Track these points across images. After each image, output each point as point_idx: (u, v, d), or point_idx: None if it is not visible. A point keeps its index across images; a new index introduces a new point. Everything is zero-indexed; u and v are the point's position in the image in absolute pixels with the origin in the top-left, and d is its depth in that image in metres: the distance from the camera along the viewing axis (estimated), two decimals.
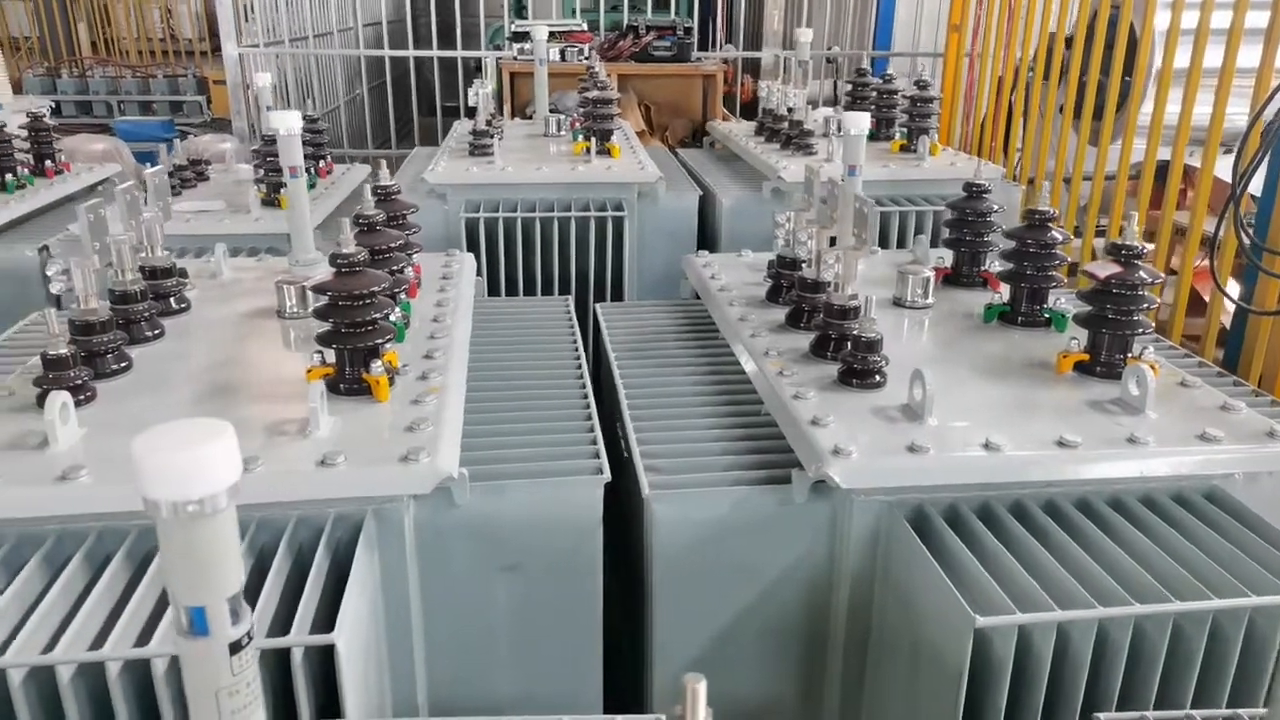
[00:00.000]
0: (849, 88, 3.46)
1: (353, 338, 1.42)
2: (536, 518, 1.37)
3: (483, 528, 1.36)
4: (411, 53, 6.10)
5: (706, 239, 2.88)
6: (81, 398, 1.37)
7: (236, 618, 0.63)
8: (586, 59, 4.63)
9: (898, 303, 1.89)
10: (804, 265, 1.80)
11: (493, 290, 2.65)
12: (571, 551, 1.40)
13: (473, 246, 2.59)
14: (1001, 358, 1.65)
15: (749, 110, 6.04)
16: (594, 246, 2.64)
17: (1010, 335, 1.75)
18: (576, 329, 2.01)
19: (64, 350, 1.37)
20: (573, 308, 2.14)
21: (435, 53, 5.98)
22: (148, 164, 4.51)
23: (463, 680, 1.44)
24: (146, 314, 1.64)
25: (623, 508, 1.57)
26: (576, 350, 1.90)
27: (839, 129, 3.10)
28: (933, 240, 2.54)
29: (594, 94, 2.86)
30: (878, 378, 1.49)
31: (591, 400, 1.65)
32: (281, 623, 1.10)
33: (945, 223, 2.03)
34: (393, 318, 1.51)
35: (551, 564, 1.40)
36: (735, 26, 6.51)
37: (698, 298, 2.26)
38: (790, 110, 3.02)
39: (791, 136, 2.97)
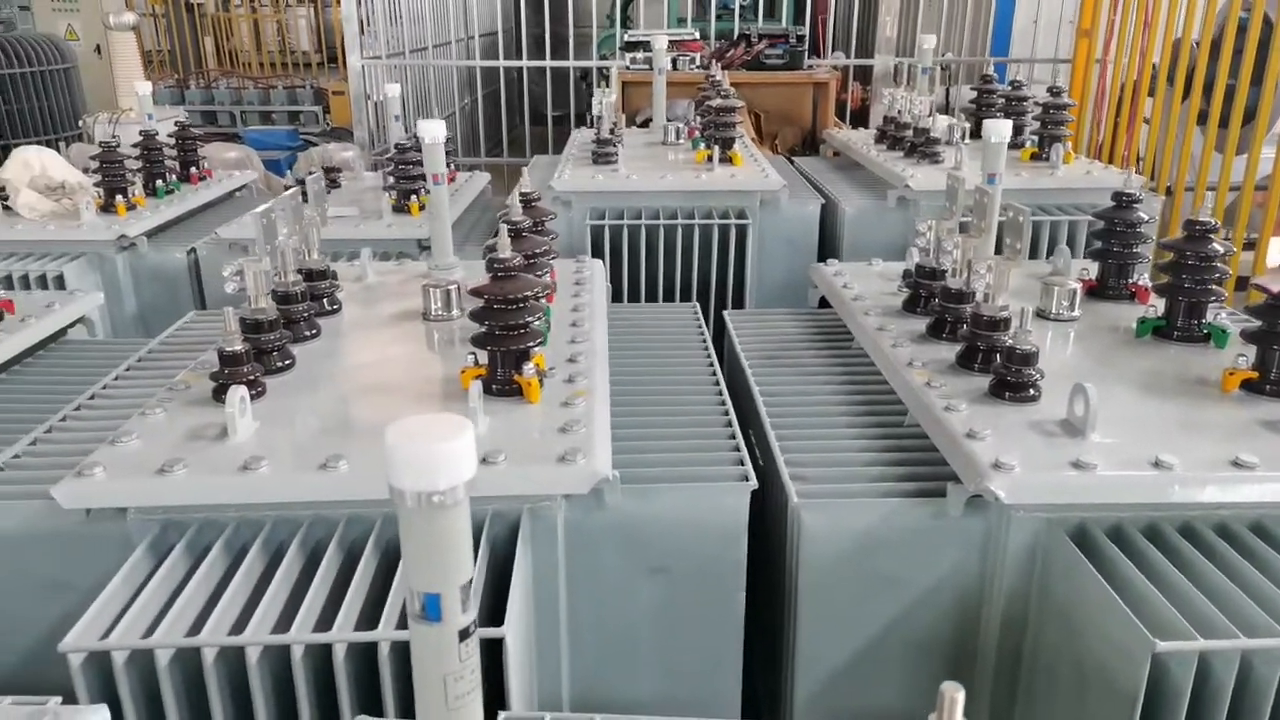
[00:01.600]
0: (973, 94, 3.38)
1: (506, 340, 1.46)
2: (682, 522, 1.38)
3: (630, 530, 1.38)
4: (525, 63, 6.23)
5: (826, 247, 2.86)
6: (254, 392, 1.44)
7: (465, 606, 0.66)
8: (701, 67, 4.66)
9: (1041, 315, 1.84)
10: (947, 275, 1.77)
11: (615, 296, 2.68)
12: (716, 557, 1.40)
13: (596, 253, 2.63)
14: (1159, 373, 1.59)
15: (859, 118, 5.97)
16: (716, 254, 2.64)
17: (1166, 350, 1.69)
18: (707, 335, 2.02)
19: (239, 347, 1.44)
20: (701, 314, 2.15)
21: (547, 63, 6.09)
22: (287, 173, 4.70)
23: (604, 678, 1.46)
24: (305, 314, 1.71)
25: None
26: (709, 356, 1.90)
27: (963, 136, 3.05)
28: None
29: (717, 102, 2.87)
30: (1032, 391, 1.45)
31: (730, 407, 1.65)
32: None
33: (1092, 233, 1.97)
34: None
35: (696, 568, 1.41)
36: (838, 33, 6.45)
37: (824, 306, 2.25)
38: (915, 118, 2.97)
39: (917, 144, 2.93)
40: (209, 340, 1.99)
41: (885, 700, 1.45)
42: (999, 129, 1.92)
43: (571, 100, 6.39)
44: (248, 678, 1.09)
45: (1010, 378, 1.45)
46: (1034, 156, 2.90)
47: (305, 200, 1.83)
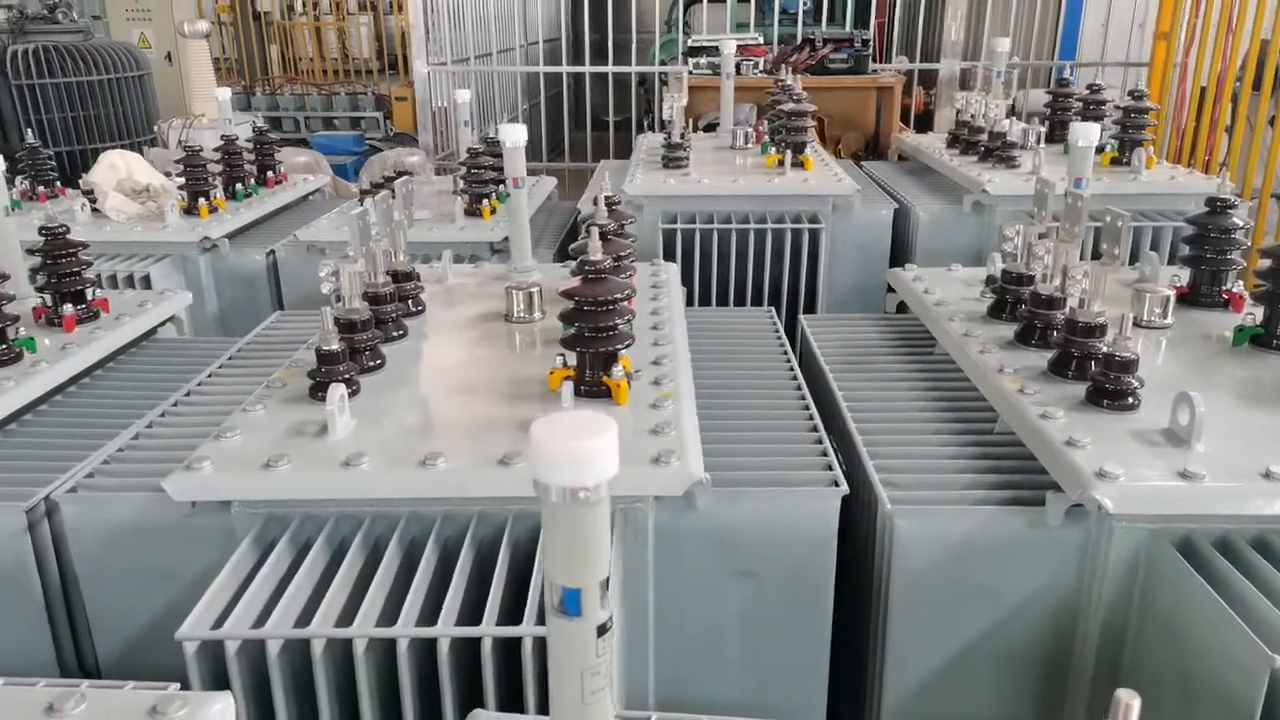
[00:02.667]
0: (1046, 98, 3.33)
1: (596, 342, 1.47)
2: (772, 526, 1.38)
3: (719, 533, 1.38)
4: (588, 68, 6.26)
5: (898, 252, 2.83)
6: (350, 391, 1.47)
7: (604, 602, 0.66)
8: (765, 72, 4.64)
9: (1133, 322, 1.80)
10: (1036, 280, 1.74)
11: (686, 300, 2.68)
12: (805, 562, 1.40)
13: (667, 256, 2.64)
14: (1260, 382, 1.54)
15: (922, 123, 5.90)
16: (788, 258, 2.63)
17: (1266, 360, 1.64)
18: (785, 340, 2.01)
19: (336, 346, 1.47)
20: (777, 318, 2.14)
21: (610, 68, 6.12)
22: (362, 178, 4.77)
23: (689, 679, 1.46)
24: (394, 315, 1.74)
25: None
26: (789, 361, 1.90)
27: (1038, 140, 3.00)
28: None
29: (789, 106, 2.86)
30: (1131, 399, 1.42)
31: (814, 410, 1.65)
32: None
33: (1184, 239, 1.92)
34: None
35: (784, 573, 1.40)
36: (901, 37, 6.38)
37: (901, 311, 2.23)
38: (991, 122, 2.93)
39: (992, 149, 2.88)
40: (295, 340, 2.04)
41: (975, 712, 1.43)
42: (1087, 133, 1.88)
43: (633, 106, 6.42)
44: (353, 669, 1.11)
45: (1109, 385, 1.42)
46: (1114, 161, 2.84)
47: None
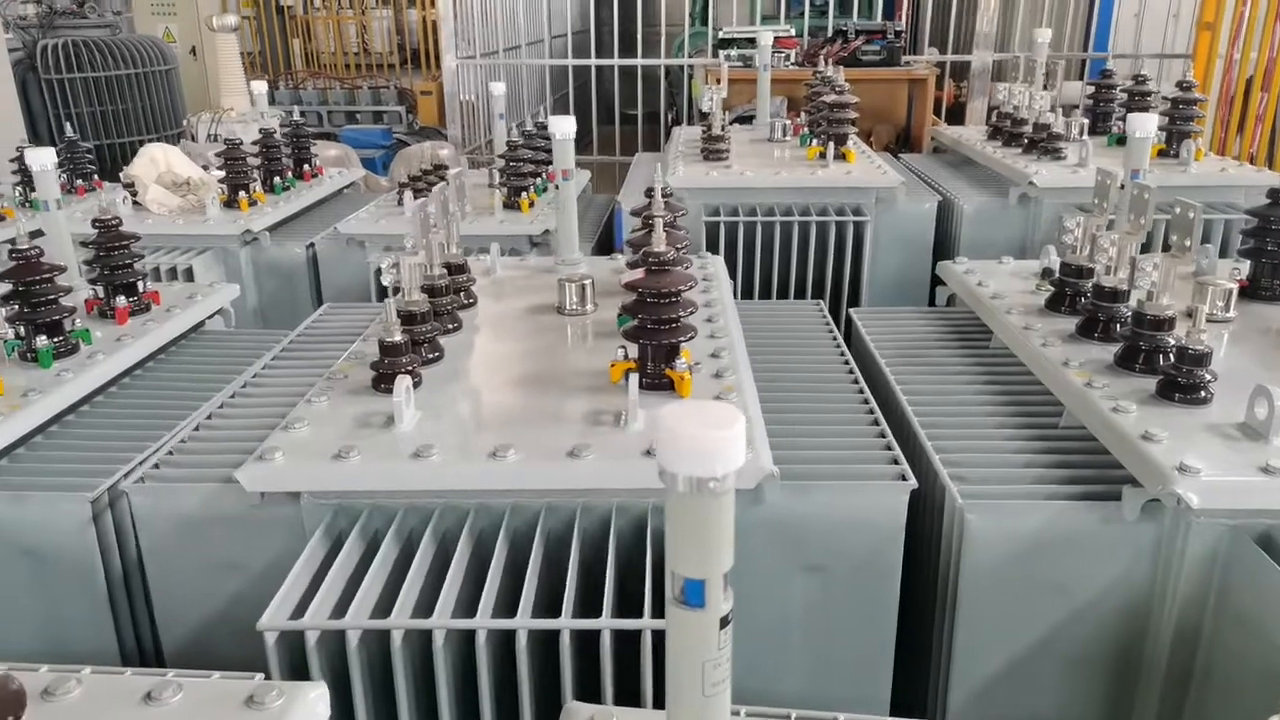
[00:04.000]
0: (1082, 90, 3.29)
1: (660, 334, 1.46)
2: (840, 520, 1.37)
3: (787, 526, 1.37)
4: (616, 61, 6.22)
5: (942, 245, 2.81)
6: (413, 382, 1.47)
7: (726, 594, 0.66)
8: (797, 64, 4.62)
9: (1193, 315, 1.78)
10: (1097, 273, 1.72)
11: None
12: (872, 556, 1.39)
13: (710, 249, 2.62)
14: None
15: (953, 115, 5.85)
16: (833, 251, 2.62)
17: None
18: (837, 332, 2.00)
19: (399, 337, 1.47)
20: (826, 311, 2.13)
21: (639, 61, 6.10)
22: (400, 171, 4.77)
23: (754, 673, 1.45)
24: (449, 307, 1.74)
25: None
26: (843, 353, 1.88)
27: (1081, 132, 2.97)
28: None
29: (831, 98, 2.84)
30: (1204, 393, 1.40)
31: (874, 404, 1.63)
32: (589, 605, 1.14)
33: (1244, 231, 1.89)
34: None
35: (851, 567, 1.39)
36: (920, 30, 6.32)
37: (950, 303, 2.21)
38: (1037, 113, 2.90)
39: (1037, 140, 2.85)
40: (344, 332, 2.04)
41: (1043, 709, 1.42)
42: (1144, 124, 1.86)
43: (661, 99, 6.40)
44: (429, 660, 1.11)
45: (1181, 379, 1.40)
46: (1161, 153, 2.81)
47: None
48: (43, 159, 2.08)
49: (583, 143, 7.31)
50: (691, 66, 6.69)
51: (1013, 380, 1.73)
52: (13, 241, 1.75)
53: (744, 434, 0.62)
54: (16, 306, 1.73)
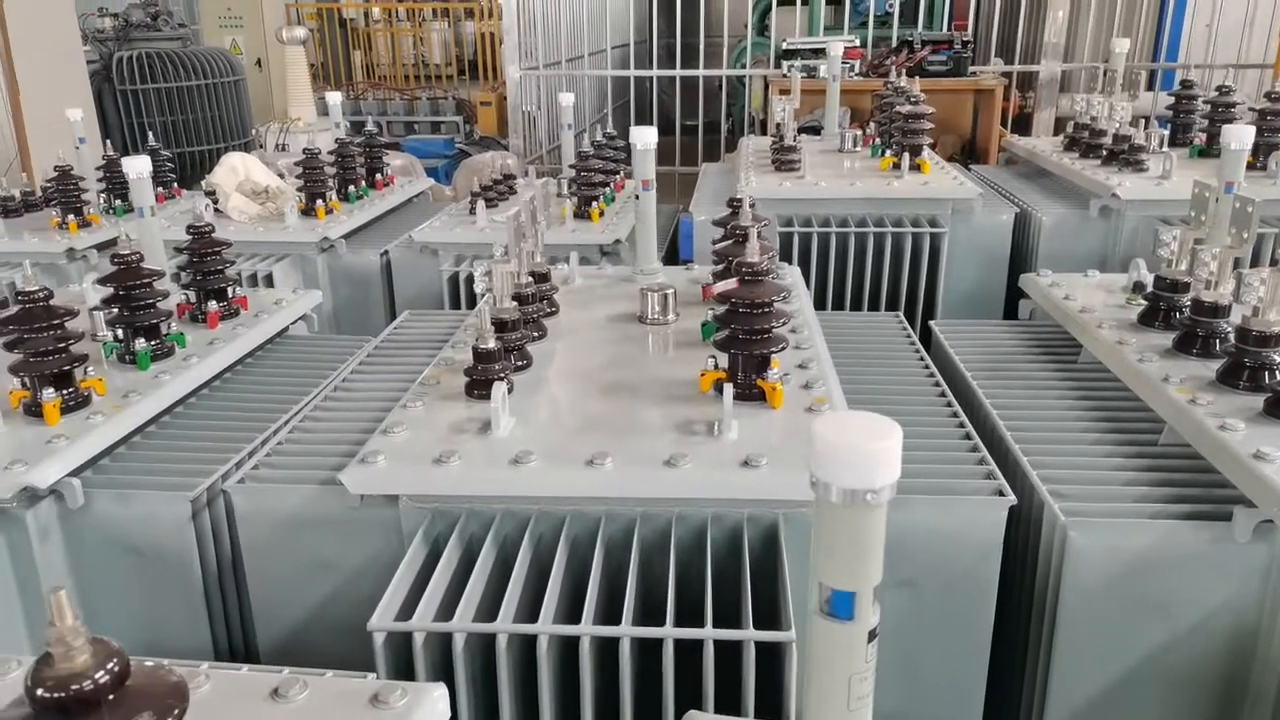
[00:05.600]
0: (1169, 100, 3.22)
1: (752, 344, 1.45)
2: (936, 535, 1.35)
3: None
4: (679, 72, 6.21)
5: (1017, 257, 2.76)
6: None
7: (874, 607, 0.65)
8: (861, 75, 4.59)
9: None
10: (1197, 287, 1.68)
11: None
12: (968, 571, 1.37)
13: (783, 259, 2.61)
14: None
15: (1019, 125, 5.77)
16: (908, 263, 2.59)
17: None
18: (919, 345, 1.98)
19: (493, 344, 1.48)
20: (906, 323, 2.11)
21: (700, 72, 6.09)
22: (462, 183, 4.83)
23: None
24: (535, 315, 1.76)
25: None
26: (927, 366, 1.86)
27: (1161, 144, 2.91)
28: None
29: (906, 109, 2.82)
30: None
31: (965, 418, 1.61)
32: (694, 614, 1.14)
33: None
34: None
35: (945, 583, 1.37)
36: (983, 40, 6.24)
37: (1032, 316, 2.18)
38: (1118, 124, 2.85)
39: (1117, 152, 2.80)
40: (425, 338, 2.07)
41: None
42: (1241, 136, 1.82)
43: (722, 110, 6.40)
44: (529, 664, 1.12)
45: None
46: (1249, 166, 2.73)
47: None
48: (138, 167, 2.14)
49: None
50: (749, 77, 6.69)
51: (1106, 395, 1.69)
52: (113, 244, 1.81)
53: (897, 449, 0.62)
54: (117, 310, 1.78)
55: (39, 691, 0.58)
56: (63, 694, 0.58)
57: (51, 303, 1.56)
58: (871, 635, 0.65)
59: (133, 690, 0.61)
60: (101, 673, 0.59)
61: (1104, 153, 2.88)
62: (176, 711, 0.62)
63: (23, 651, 1.26)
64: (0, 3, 4.58)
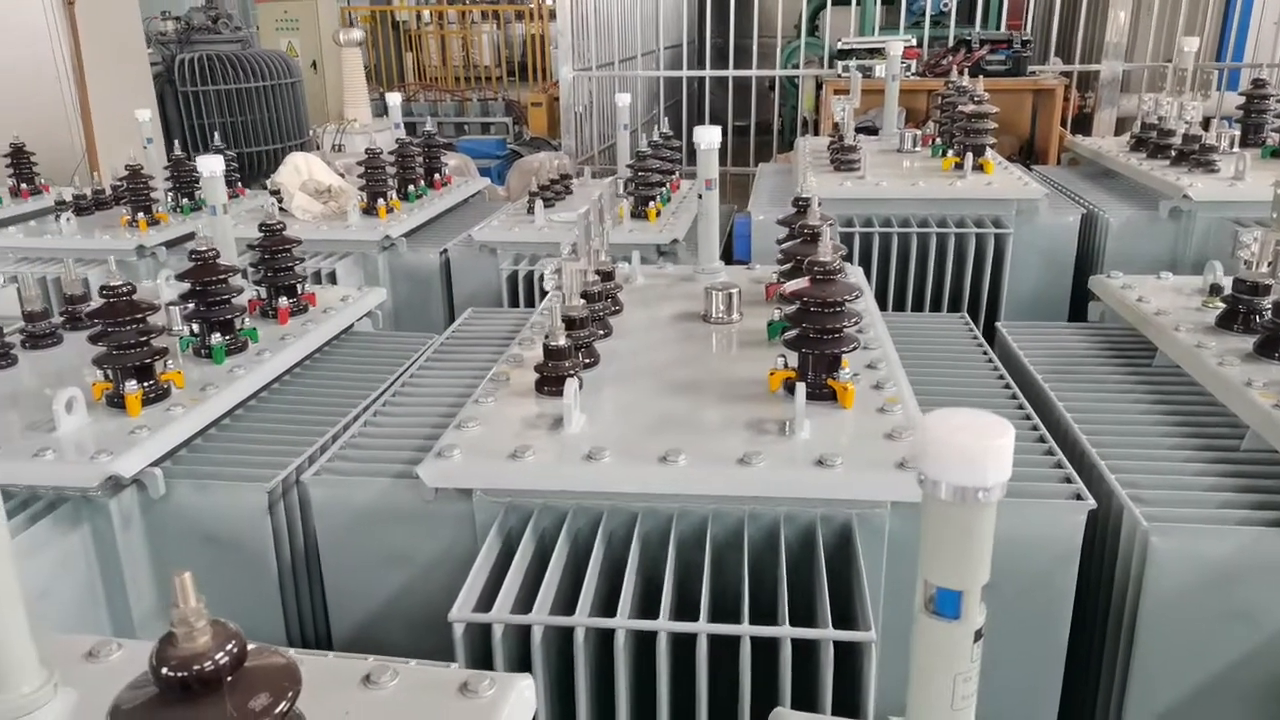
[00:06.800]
0: (1238, 100, 3.14)
1: (823, 343, 1.45)
2: (1012, 539, 1.33)
3: None
4: (731, 73, 6.20)
5: (1083, 259, 2.72)
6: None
7: (981, 607, 0.65)
8: (918, 75, 4.54)
9: None
10: (1278, 289, 1.64)
11: None
12: (1044, 577, 1.35)
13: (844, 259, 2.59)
14: None
15: (1078, 125, 5.66)
16: (972, 263, 2.56)
17: None
18: (987, 347, 1.95)
19: (564, 341, 1.49)
20: (972, 325, 2.08)
21: (753, 72, 6.07)
22: (518, 182, 4.86)
23: None
24: (601, 313, 1.77)
25: None
26: (995, 368, 1.84)
27: (1232, 144, 2.84)
28: None
29: (970, 108, 2.79)
30: None
31: (1037, 421, 1.59)
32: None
33: None
34: None
35: (1021, 589, 1.36)
36: (1039, 38, 6.13)
37: (1101, 319, 2.14)
38: (1189, 124, 2.79)
39: (1187, 152, 2.74)
40: (489, 335, 2.09)
41: None
42: None
43: (775, 110, 6.38)
44: (606, 658, 1.12)
45: None
46: None
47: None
48: (212, 166, 2.19)
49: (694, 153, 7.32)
50: (801, 78, 6.65)
51: (1183, 399, 1.66)
52: (180, 241, 1.85)
53: (1009, 448, 0.61)
54: (194, 305, 1.83)
55: (164, 670, 0.59)
56: (185, 673, 0.60)
57: (134, 298, 1.61)
58: (977, 635, 0.64)
59: (250, 671, 0.62)
60: (222, 654, 0.61)
61: (1173, 153, 2.81)
62: (291, 693, 0.63)
63: (104, 635, 1.30)
64: (73, 6, 4.72)
